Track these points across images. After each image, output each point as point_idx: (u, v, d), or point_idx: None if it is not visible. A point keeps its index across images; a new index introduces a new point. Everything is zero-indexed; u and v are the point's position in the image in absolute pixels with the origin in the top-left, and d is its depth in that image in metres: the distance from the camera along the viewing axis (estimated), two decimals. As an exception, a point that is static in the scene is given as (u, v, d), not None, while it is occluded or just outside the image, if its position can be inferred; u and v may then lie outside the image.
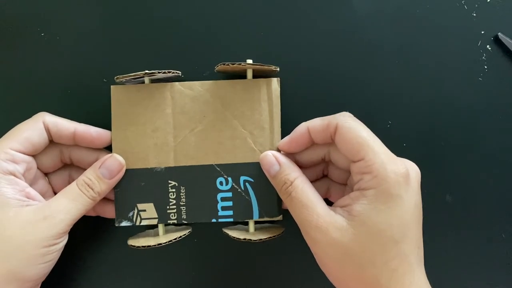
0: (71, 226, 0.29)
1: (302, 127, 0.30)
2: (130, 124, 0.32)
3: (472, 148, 0.35)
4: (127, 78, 0.30)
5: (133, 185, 0.32)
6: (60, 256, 0.29)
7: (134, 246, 0.30)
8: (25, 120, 0.30)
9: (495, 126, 0.35)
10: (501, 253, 0.35)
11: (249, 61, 0.31)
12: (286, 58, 0.34)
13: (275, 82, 0.32)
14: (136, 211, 0.32)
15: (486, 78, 0.35)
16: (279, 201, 0.32)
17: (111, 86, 0.32)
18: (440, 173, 0.35)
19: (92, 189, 0.30)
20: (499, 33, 0.34)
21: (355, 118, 0.29)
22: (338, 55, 0.34)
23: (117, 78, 0.30)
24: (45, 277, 0.29)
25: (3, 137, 0.29)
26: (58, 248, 0.28)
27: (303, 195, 0.28)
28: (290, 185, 0.29)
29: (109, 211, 0.33)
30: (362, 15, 0.34)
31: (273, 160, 0.30)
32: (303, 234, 0.28)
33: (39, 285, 0.30)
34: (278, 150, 0.32)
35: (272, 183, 0.31)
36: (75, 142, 0.31)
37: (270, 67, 0.31)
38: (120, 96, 0.32)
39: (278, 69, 0.31)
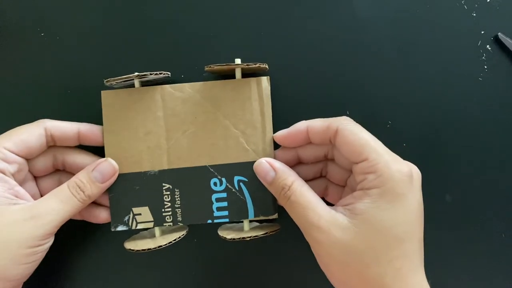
0: (58, 228, 0.29)
1: (302, 125, 0.30)
2: (122, 129, 0.32)
3: (472, 148, 0.34)
4: (118, 81, 0.30)
5: (128, 189, 0.32)
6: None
7: (133, 250, 0.30)
8: (24, 120, 0.31)
9: (495, 126, 0.34)
10: (501, 253, 0.34)
11: (237, 60, 0.31)
12: (285, 58, 0.34)
13: (265, 81, 0.32)
14: (131, 215, 0.32)
15: (486, 78, 0.34)
16: (274, 199, 0.32)
17: (102, 92, 0.32)
18: (440, 173, 0.34)
19: (83, 192, 0.29)
20: (499, 33, 0.34)
21: (355, 122, 0.29)
22: (337, 55, 0.34)
23: (107, 81, 0.30)
24: (28, 277, 0.29)
25: (0, 136, 0.29)
26: (43, 249, 0.28)
27: (302, 197, 0.28)
28: (288, 189, 0.28)
29: (94, 216, 0.32)
30: (362, 14, 0.34)
31: (268, 167, 0.30)
32: (305, 236, 0.28)
33: (21, 285, 0.29)
34: (272, 157, 0.31)
35: (270, 190, 0.30)
36: (80, 142, 0.32)
37: (258, 66, 0.30)
38: (111, 101, 0.32)
39: (266, 66, 0.31)
